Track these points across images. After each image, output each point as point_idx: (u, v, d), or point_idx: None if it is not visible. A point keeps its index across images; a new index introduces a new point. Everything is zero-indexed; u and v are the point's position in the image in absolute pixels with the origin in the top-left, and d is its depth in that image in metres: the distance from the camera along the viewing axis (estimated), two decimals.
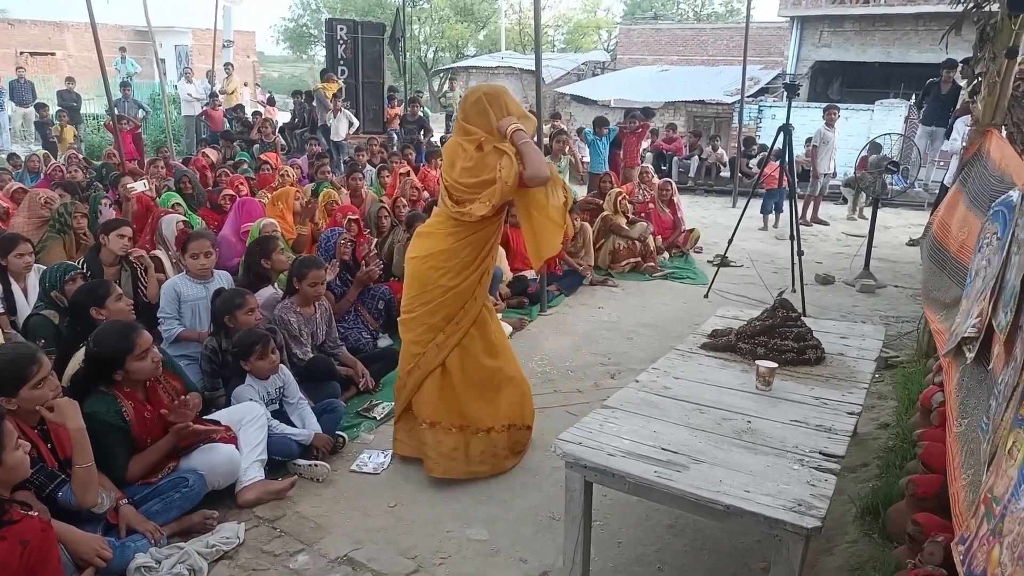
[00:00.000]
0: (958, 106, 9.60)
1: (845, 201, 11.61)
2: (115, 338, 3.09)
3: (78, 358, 3.32)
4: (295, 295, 4.42)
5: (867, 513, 3.15)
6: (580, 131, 12.63)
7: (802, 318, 3.64)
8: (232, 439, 3.38)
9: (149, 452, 3.13)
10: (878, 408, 4.36)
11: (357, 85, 13.58)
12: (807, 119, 13.59)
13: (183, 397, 3.27)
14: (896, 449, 3.64)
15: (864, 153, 8.84)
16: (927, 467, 3.01)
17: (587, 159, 11.97)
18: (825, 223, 10.61)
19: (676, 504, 2.39)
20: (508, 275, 6.53)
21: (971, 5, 5.11)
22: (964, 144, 5.59)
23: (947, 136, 8.87)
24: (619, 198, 7.87)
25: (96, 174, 9.20)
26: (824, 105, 11.74)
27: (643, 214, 8.36)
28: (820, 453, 2.52)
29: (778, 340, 3.42)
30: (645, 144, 12.41)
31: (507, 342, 3.86)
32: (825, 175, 10.58)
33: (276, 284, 4.78)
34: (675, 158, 14.05)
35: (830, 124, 10.38)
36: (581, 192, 10.55)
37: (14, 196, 6.65)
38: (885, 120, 14.55)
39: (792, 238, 6.41)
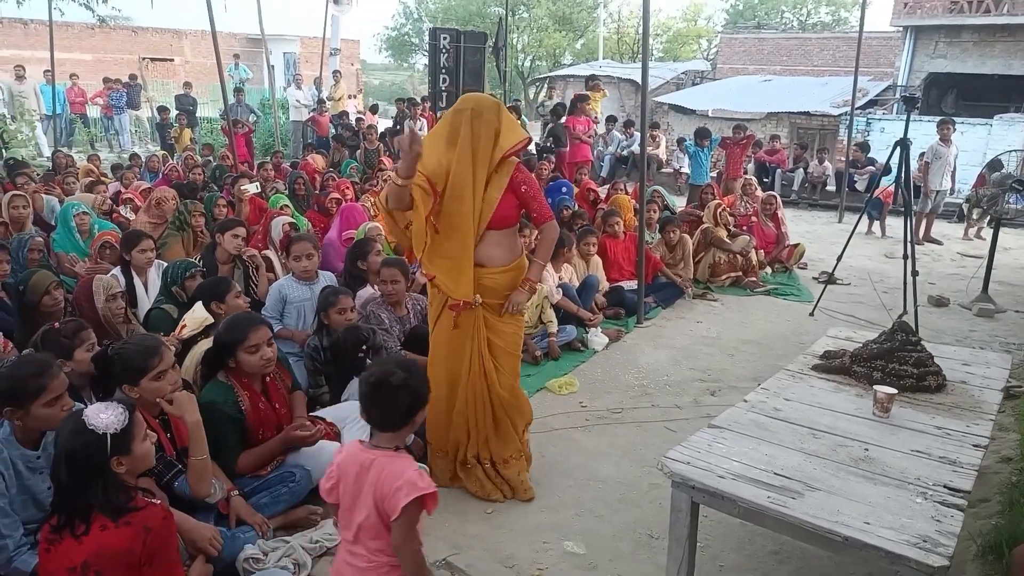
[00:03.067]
0: None
1: (961, 219, 11.04)
2: (234, 327, 3.22)
3: (197, 352, 3.46)
4: None
5: (989, 552, 2.96)
6: (680, 142, 12.43)
7: (922, 342, 3.46)
8: (336, 436, 3.47)
9: (260, 449, 3.23)
10: (999, 440, 4.09)
11: (458, 93, 13.75)
12: (919, 133, 12.87)
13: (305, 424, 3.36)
14: (1020, 485, 3.41)
15: (983, 170, 8.37)
16: None
17: (687, 170, 11.80)
18: (938, 242, 10.08)
19: (788, 531, 2.30)
20: (604, 285, 6.47)
21: None
22: None
23: None
24: (719, 210, 7.69)
25: (211, 174, 9.62)
26: (938, 119, 11.18)
27: (745, 227, 8.14)
28: (945, 487, 2.39)
29: (896, 365, 3.26)
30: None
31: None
32: (939, 192, 10.08)
33: (375, 285, 4.89)
34: (778, 170, 13.64)
35: (945, 139, 9.89)
36: (680, 203, 10.41)
37: (142, 195, 7.06)
38: (1005, 136, 13.74)
39: (905, 257, 6.11)
